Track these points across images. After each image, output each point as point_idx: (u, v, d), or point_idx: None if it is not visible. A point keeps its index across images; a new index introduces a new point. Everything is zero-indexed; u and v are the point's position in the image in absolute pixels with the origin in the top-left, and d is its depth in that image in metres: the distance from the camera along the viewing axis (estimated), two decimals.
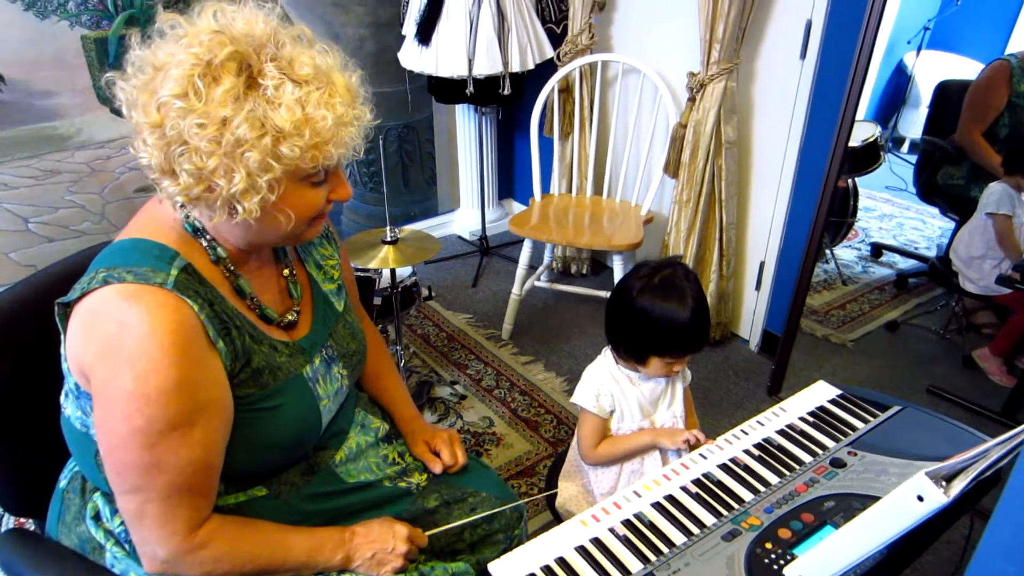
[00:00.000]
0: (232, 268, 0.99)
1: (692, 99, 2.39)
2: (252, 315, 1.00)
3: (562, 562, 1.02)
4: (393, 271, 2.08)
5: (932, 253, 3.47)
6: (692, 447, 1.28)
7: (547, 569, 1.01)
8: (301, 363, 1.04)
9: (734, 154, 2.42)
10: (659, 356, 1.34)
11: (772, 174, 2.44)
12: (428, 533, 1.15)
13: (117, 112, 0.91)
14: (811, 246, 2.21)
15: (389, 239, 2.00)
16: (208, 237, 0.96)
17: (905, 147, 4.50)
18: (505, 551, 1.05)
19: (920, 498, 0.79)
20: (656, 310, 1.29)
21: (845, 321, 2.95)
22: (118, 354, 0.85)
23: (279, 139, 0.86)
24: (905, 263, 3.42)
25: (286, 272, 1.10)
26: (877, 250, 3.51)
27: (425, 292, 2.40)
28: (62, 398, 1.00)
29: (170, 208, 0.94)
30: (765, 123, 2.43)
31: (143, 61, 0.87)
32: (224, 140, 0.84)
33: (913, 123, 4.54)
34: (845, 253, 3.49)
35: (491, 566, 1.00)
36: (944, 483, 0.80)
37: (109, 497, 1.03)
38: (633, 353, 1.36)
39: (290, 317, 1.07)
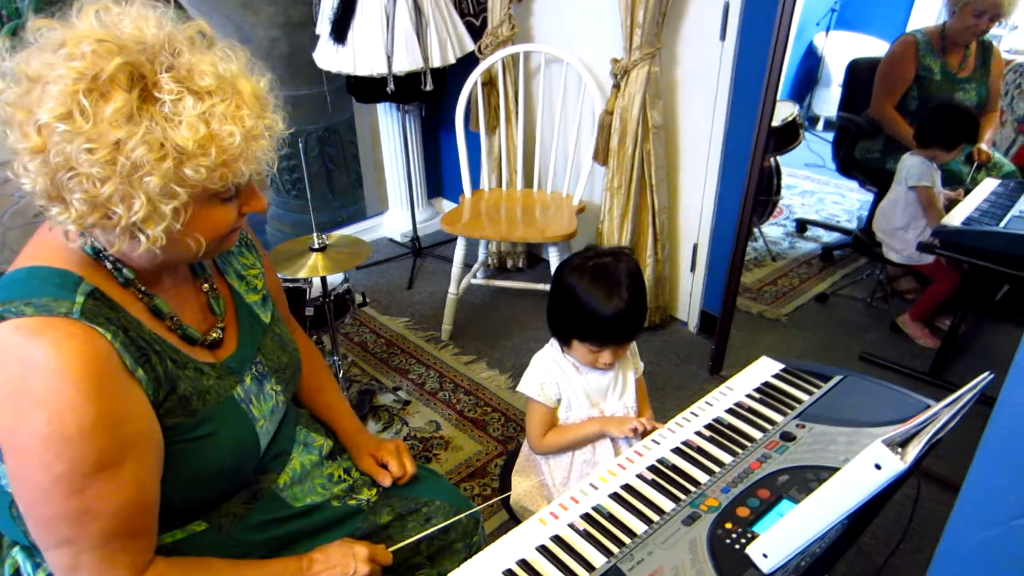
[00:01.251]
0: (143, 288, 0.90)
1: (617, 86, 2.39)
2: (173, 337, 0.92)
3: (524, 564, 0.98)
4: (324, 279, 2.00)
5: (853, 225, 3.60)
6: (642, 435, 1.26)
7: (509, 573, 0.97)
8: (231, 384, 0.97)
9: (661, 138, 2.43)
10: (579, 340, 1.31)
11: (700, 156, 2.47)
12: (391, 549, 1.09)
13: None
14: (742, 225, 2.24)
15: (317, 246, 1.92)
16: (112, 258, 0.87)
17: (820, 125, 4.68)
18: (465, 559, 1.00)
19: (878, 466, 0.79)
20: (580, 293, 1.27)
21: (777, 296, 3.02)
22: (24, 397, 0.76)
23: (181, 160, 0.78)
24: (829, 236, 3.54)
25: (205, 287, 1.02)
26: (802, 225, 3.62)
27: (359, 298, 2.32)
28: None
29: (68, 236, 0.85)
30: (690, 106, 2.46)
31: (14, 72, 0.77)
32: (119, 164, 0.75)
33: (826, 101, 4.72)
34: (772, 230, 3.59)
35: None
36: (899, 449, 0.79)
37: (29, 551, 0.93)
38: (557, 333, 1.34)
39: (214, 335, 0.99)
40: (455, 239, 2.59)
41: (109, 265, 0.87)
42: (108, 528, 0.81)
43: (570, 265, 1.30)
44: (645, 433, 1.26)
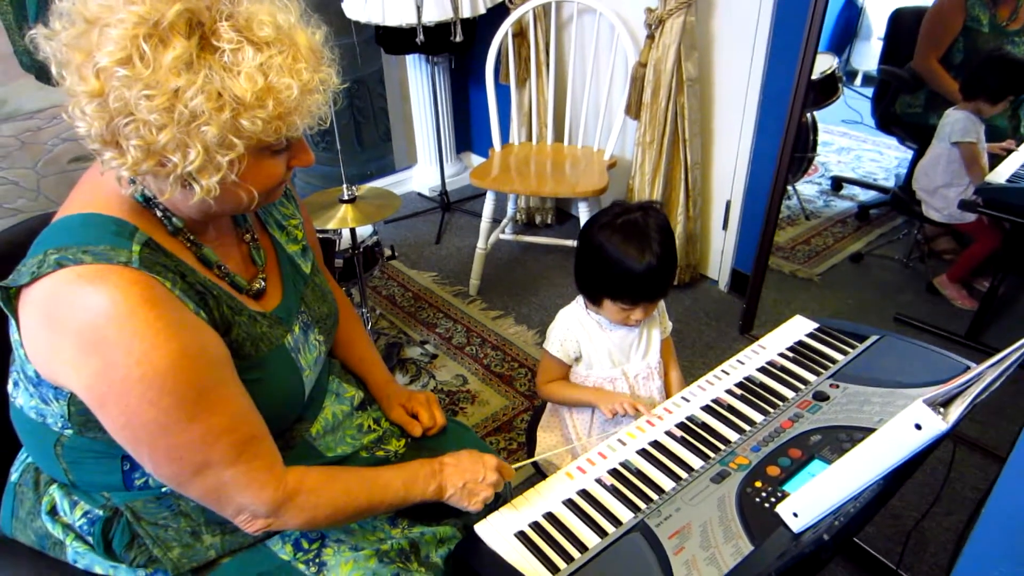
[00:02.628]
0: (192, 238, 0.91)
1: (651, 36, 2.32)
2: (223, 284, 0.93)
3: (551, 517, 0.99)
4: (353, 231, 2.00)
5: (891, 184, 3.49)
6: (636, 415, 1.24)
7: (536, 526, 0.98)
8: (282, 333, 0.98)
9: (696, 91, 2.36)
10: (611, 299, 1.29)
11: (735, 110, 2.40)
12: (515, 467, 1.14)
13: (44, 79, 0.79)
14: (777, 182, 2.18)
15: (347, 197, 1.92)
16: (161, 207, 0.88)
17: (858, 80, 4.52)
18: (491, 511, 1.01)
19: (918, 426, 0.77)
20: (611, 250, 1.25)
21: (811, 256, 2.96)
22: (102, 344, 0.76)
23: (239, 111, 0.77)
24: (865, 195, 3.44)
25: (247, 238, 1.02)
26: (837, 183, 3.52)
27: (388, 252, 2.33)
28: (10, 387, 0.92)
29: (122, 182, 0.85)
30: (727, 58, 2.38)
31: (72, 12, 0.76)
32: (177, 112, 0.74)
33: (865, 56, 4.54)
34: (806, 188, 3.50)
35: (477, 527, 0.97)
36: (941, 409, 0.77)
37: (67, 489, 0.96)
38: (587, 292, 1.32)
39: (258, 285, 0.99)
40: (483, 194, 2.57)
41: (159, 213, 0.87)
42: (234, 440, 0.84)
43: (598, 223, 1.27)
44: (637, 415, 1.24)
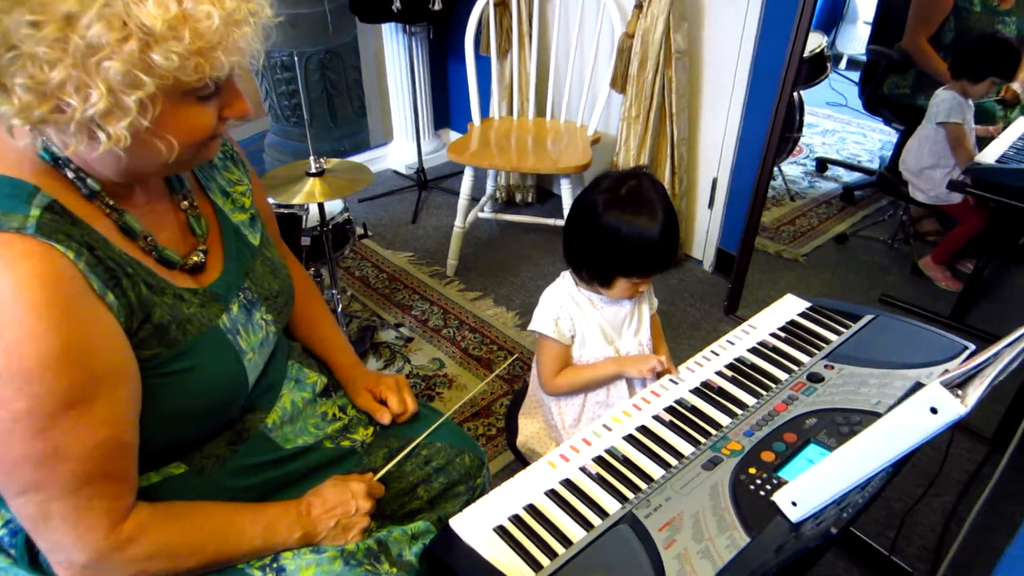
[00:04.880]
0: (112, 203, 0.79)
1: (639, 6, 2.24)
2: (148, 259, 0.82)
3: (532, 509, 0.92)
4: (321, 206, 1.90)
5: (875, 166, 3.47)
6: (660, 375, 1.18)
7: (516, 519, 0.90)
8: (215, 312, 0.87)
9: (684, 65, 2.28)
10: (626, 277, 1.22)
11: (724, 85, 2.33)
12: (376, 478, 1.02)
13: None
14: (766, 160, 2.12)
15: (314, 170, 1.81)
16: (73, 167, 0.76)
17: (843, 63, 4.50)
18: (468, 503, 0.92)
19: (934, 410, 0.70)
20: (624, 227, 1.17)
21: (795, 236, 2.92)
22: None
23: (148, 43, 0.66)
24: (850, 176, 3.42)
25: (185, 204, 0.91)
26: (822, 165, 3.50)
27: (360, 230, 2.23)
28: None
29: (14, 133, 0.73)
30: (717, 30, 2.30)
31: None
32: (71, 44, 0.63)
33: (851, 39, 4.51)
34: (791, 169, 3.46)
35: (452, 522, 0.89)
36: (959, 392, 0.71)
37: None
38: (597, 275, 1.24)
39: (196, 258, 0.88)
40: (462, 171, 2.48)
41: (71, 175, 0.76)
42: (80, 471, 0.73)
43: (599, 204, 1.19)
44: (664, 373, 1.18)
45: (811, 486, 0.83)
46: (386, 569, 0.91)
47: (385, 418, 1.09)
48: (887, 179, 2.96)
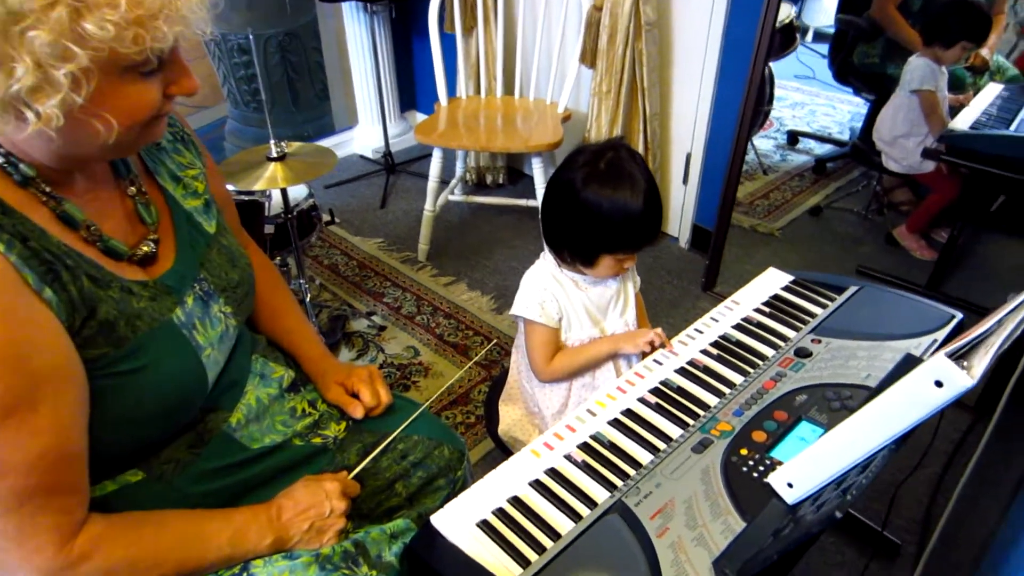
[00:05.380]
0: (48, 191, 0.73)
1: None
2: (92, 250, 0.76)
3: (517, 502, 0.87)
4: (284, 192, 1.82)
5: (845, 137, 3.46)
6: (652, 350, 1.14)
7: (501, 513, 0.85)
8: (168, 306, 0.81)
9: (655, 37, 2.23)
10: (610, 253, 1.17)
11: (696, 57, 2.27)
12: (351, 476, 0.97)
13: None
14: (741, 132, 2.08)
15: (275, 155, 1.73)
16: (2, 151, 0.69)
17: (810, 36, 4.49)
18: (449, 498, 0.87)
19: (939, 383, 0.67)
20: (606, 202, 1.12)
21: (770, 210, 2.90)
22: None
23: (79, 11, 0.60)
24: (821, 148, 3.41)
25: (132, 191, 0.84)
26: (793, 137, 3.49)
27: (326, 217, 2.15)
28: None
29: None
30: (687, 1, 2.24)
31: None
32: None
33: (817, 12, 4.51)
34: (763, 143, 3.45)
35: (434, 518, 0.84)
36: (964, 363, 0.67)
37: None
38: (580, 255, 1.19)
39: (145, 248, 0.82)
40: (430, 154, 2.40)
41: (1, 159, 0.69)
42: (21, 486, 0.67)
43: (578, 180, 1.14)
44: (660, 346, 1.15)
45: (808, 466, 0.80)
46: (365, 572, 0.86)
47: (358, 412, 1.03)
48: (860, 149, 2.95)
